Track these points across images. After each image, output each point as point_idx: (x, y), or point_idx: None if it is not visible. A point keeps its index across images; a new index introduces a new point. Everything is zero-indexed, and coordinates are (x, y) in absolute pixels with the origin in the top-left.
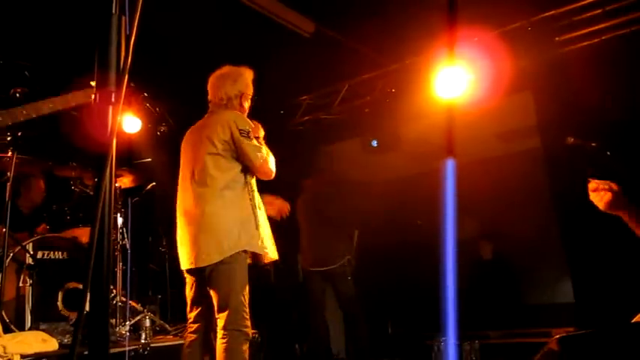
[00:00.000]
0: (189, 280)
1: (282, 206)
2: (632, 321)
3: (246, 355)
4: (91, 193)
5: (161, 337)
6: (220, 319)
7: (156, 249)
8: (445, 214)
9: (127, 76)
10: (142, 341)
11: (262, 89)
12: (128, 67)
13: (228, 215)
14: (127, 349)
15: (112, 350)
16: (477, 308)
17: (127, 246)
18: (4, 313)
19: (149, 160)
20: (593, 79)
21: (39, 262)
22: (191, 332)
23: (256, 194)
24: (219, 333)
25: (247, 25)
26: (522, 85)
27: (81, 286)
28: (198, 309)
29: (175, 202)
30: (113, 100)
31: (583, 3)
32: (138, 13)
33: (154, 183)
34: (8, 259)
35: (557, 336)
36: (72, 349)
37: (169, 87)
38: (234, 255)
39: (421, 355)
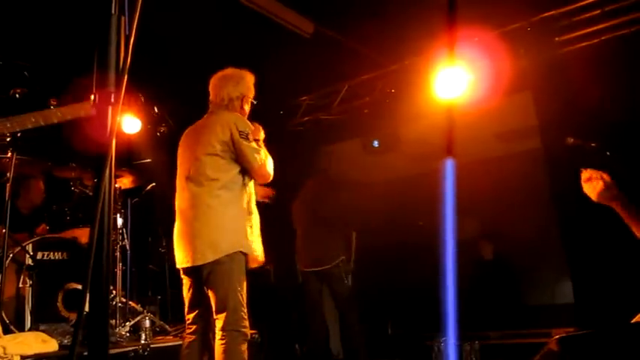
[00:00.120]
0: (186, 280)
1: (266, 190)
2: (632, 321)
3: (245, 356)
4: (91, 193)
5: (161, 337)
6: (219, 320)
7: (155, 249)
8: (445, 214)
9: (126, 77)
10: (142, 342)
11: (262, 90)
12: (128, 67)
13: (225, 216)
14: (126, 349)
15: (112, 351)
16: (477, 308)
17: (127, 246)
18: (3, 314)
19: (149, 160)
20: (593, 80)
21: (39, 263)
22: (189, 333)
23: (253, 197)
24: (218, 334)
25: (247, 25)
26: (522, 86)
27: (81, 287)
28: (196, 310)
29: (175, 203)
30: (112, 100)
31: (583, 3)
32: (137, 14)
33: (154, 184)
34: (8, 260)
35: (557, 336)
36: (72, 350)
37: (169, 87)
38: (231, 255)
39: (421, 355)
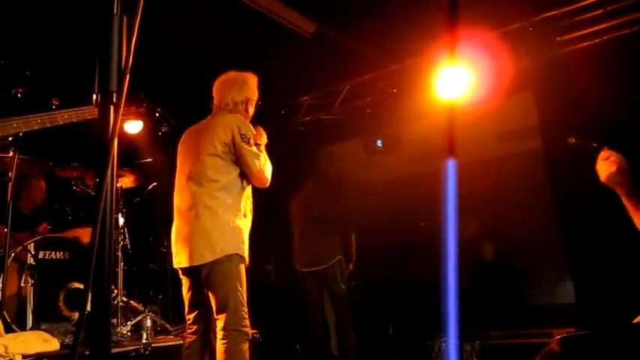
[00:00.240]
0: (184, 281)
1: None
2: (633, 321)
3: (247, 355)
4: (93, 193)
5: (162, 337)
6: (219, 321)
7: (157, 249)
8: (446, 214)
9: (128, 77)
10: (143, 341)
11: (263, 89)
12: (129, 67)
13: (224, 218)
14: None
15: (113, 350)
16: (477, 308)
17: (128, 246)
18: (5, 313)
19: (150, 160)
20: (594, 80)
21: (40, 262)
22: (190, 333)
23: (249, 201)
24: (219, 334)
25: (248, 25)
26: (523, 86)
27: (82, 286)
28: (197, 310)
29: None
30: (114, 100)
31: (584, 3)
32: (139, 14)
33: (155, 183)
34: (10, 259)
35: (558, 336)
36: (73, 349)
37: (170, 87)
38: (229, 256)
39: (422, 355)
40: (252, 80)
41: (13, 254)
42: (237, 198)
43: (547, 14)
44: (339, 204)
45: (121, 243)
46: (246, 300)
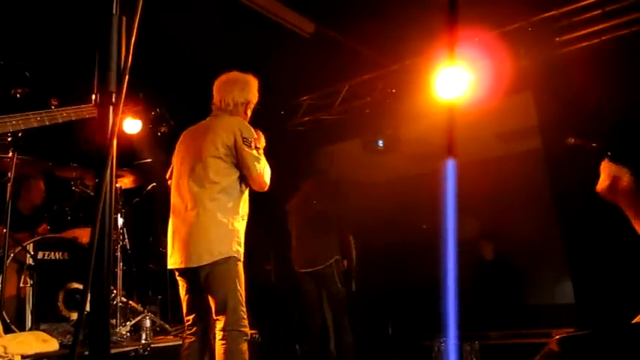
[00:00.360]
0: (181, 282)
1: None
2: (633, 322)
3: (246, 356)
4: (92, 193)
5: (161, 337)
6: (219, 321)
7: (156, 249)
8: (446, 214)
9: (127, 77)
10: (143, 341)
11: (263, 90)
12: (129, 67)
13: (222, 220)
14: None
15: (113, 350)
16: (477, 309)
17: (128, 246)
18: (4, 314)
19: (149, 160)
20: (594, 80)
21: (39, 263)
22: (189, 334)
23: (246, 205)
24: (218, 334)
25: (247, 25)
26: (522, 86)
27: (81, 287)
28: (195, 312)
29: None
30: (114, 100)
31: (583, 4)
32: (138, 14)
33: (155, 183)
34: (9, 260)
35: (558, 336)
36: (72, 350)
37: (170, 87)
38: (226, 258)
39: (421, 355)
40: (253, 82)
41: (12, 255)
42: (237, 201)
43: (546, 14)
44: (337, 204)
45: (120, 243)
46: (245, 300)
